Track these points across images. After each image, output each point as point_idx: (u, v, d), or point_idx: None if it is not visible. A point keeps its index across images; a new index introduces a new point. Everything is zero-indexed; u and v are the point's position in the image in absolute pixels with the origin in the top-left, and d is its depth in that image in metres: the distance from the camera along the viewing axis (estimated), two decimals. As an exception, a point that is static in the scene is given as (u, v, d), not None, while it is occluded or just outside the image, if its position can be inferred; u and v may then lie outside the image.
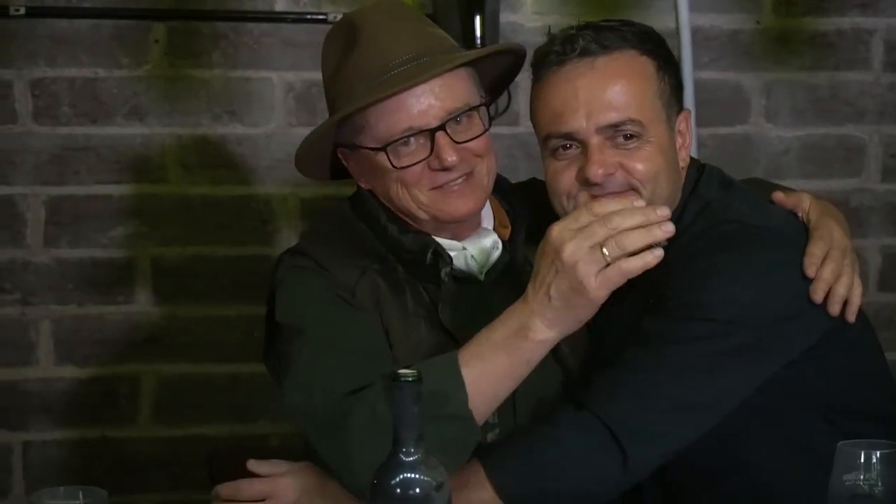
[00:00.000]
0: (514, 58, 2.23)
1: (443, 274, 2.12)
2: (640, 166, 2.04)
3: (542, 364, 2.00)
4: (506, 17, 3.18)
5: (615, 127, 2.04)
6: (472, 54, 2.14)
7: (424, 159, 2.09)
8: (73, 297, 3.14)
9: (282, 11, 3.17)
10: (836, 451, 1.61)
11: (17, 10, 3.06)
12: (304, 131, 3.14)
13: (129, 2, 3.12)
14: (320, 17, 3.16)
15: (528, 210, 2.24)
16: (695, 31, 3.26)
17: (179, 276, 3.17)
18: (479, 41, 3.10)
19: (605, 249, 1.87)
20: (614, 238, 1.87)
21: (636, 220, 1.89)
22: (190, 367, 3.18)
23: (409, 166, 2.09)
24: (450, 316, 2.11)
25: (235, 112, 3.17)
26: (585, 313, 1.92)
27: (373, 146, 2.11)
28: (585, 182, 2.05)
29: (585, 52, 2.07)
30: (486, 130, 2.13)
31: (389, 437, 1.62)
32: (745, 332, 1.96)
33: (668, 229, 1.89)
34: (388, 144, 2.09)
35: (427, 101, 2.07)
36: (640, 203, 1.92)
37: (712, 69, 3.30)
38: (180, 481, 3.17)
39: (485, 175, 2.14)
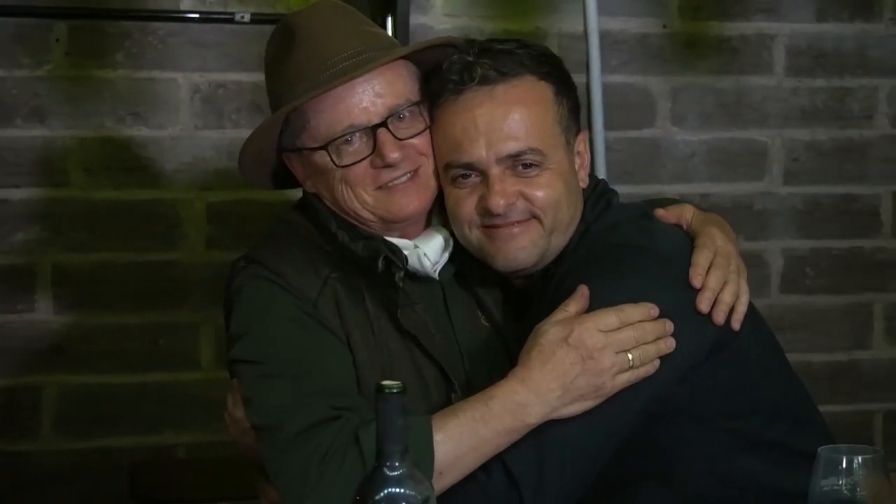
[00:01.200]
0: (453, 51, 2.17)
1: (397, 279, 2.07)
2: (540, 194, 2.04)
3: (490, 353, 2.07)
4: (416, 19, 3.15)
5: (515, 157, 2.03)
6: (408, 48, 2.12)
7: (367, 157, 2.06)
8: (-29, 305, 3.03)
9: (188, 11, 3.09)
10: (815, 457, 1.60)
11: (-88, 8, 2.94)
12: (212, 134, 3.11)
13: (30, -1, 3.02)
14: (227, 16, 3.09)
15: None
16: (603, 35, 3.26)
17: (83, 283, 3.07)
18: (391, 43, 3.07)
19: (630, 355, 1.90)
20: (641, 347, 1.91)
21: (658, 331, 1.92)
22: (94, 378, 3.08)
23: (351, 164, 2.06)
24: (410, 319, 2.08)
25: (140, 114, 3.08)
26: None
27: (314, 146, 2.07)
28: (486, 212, 2.04)
29: (484, 80, 2.04)
30: (428, 127, 2.09)
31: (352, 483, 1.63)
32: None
33: (671, 344, 1.92)
34: (330, 143, 2.05)
35: (367, 97, 2.04)
36: (655, 311, 1.92)
37: (620, 73, 3.31)
38: (86, 496, 3.07)
39: (430, 173, 2.11)
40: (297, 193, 2.22)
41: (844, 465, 1.58)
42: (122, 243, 3.09)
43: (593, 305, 1.93)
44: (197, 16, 3.09)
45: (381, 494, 1.51)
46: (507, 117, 2.03)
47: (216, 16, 3.10)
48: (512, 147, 2.03)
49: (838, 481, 1.58)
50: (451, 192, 2.09)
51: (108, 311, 3.08)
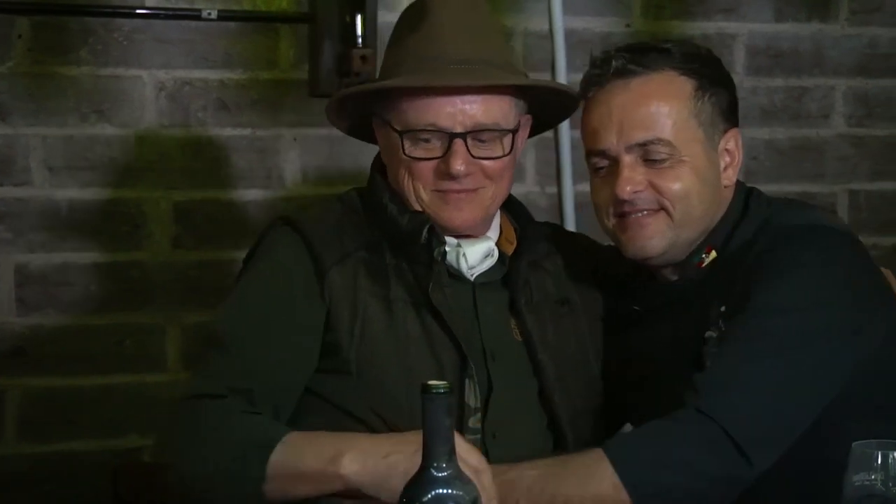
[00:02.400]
0: (567, 99, 2.26)
1: (436, 253, 2.12)
2: (668, 185, 2.13)
3: (519, 364, 2.11)
4: (383, 17, 3.13)
5: (644, 146, 2.12)
6: (518, 81, 2.16)
7: (435, 159, 2.12)
8: (-70, 307, 2.96)
9: (153, 7, 3.04)
10: (850, 451, 1.61)
11: None
12: (177, 132, 3.07)
13: (-9, -6, 2.95)
14: (193, 13, 3.04)
15: (541, 241, 2.31)
16: (568, 34, 3.28)
17: (45, 284, 3.00)
18: (359, 40, 3.05)
19: None
20: None
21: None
22: (57, 380, 3.02)
23: (417, 159, 2.12)
24: (440, 296, 2.12)
25: (104, 112, 3.02)
26: (386, 494, 1.87)
27: (395, 127, 2.13)
28: (616, 199, 2.13)
29: (623, 73, 2.16)
30: (505, 155, 2.15)
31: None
32: (839, 311, 2.02)
33: None
34: (408, 131, 2.11)
35: (460, 106, 2.09)
36: None
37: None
38: (51, 500, 3.00)
39: (490, 198, 2.17)
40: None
41: (879, 461, 1.59)
42: (85, 243, 3.03)
43: (812, 272, 2.02)
44: (163, 12, 3.04)
45: (429, 496, 1.49)
46: (640, 108, 2.13)
47: (182, 12, 3.05)
48: (640, 136, 2.12)
49: (871, 476, 1.59)
50: (592, 181, 2.22)
51: (71, 313, 3.02)
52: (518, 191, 3.22)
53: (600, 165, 2.18)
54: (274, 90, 3.10)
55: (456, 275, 2.17)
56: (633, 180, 2.12)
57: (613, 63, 2.16)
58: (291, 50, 3.11)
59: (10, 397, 2.99)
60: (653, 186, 2.12)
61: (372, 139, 2.27)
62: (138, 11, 3.03)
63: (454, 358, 2.11)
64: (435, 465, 1.51)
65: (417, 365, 2.10)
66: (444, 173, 2.12)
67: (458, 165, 2.10)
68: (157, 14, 3.04)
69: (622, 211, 2.15)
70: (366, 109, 2.22)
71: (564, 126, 3.25)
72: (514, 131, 2.16)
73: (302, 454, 1.92)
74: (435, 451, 1.51)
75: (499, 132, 2.13)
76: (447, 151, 2.11)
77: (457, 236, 2.17)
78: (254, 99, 3.07)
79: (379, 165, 2.27)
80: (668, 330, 2.16)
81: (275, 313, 2.12)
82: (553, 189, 3.30)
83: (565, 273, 2.32)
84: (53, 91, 2.99)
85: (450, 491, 1.51)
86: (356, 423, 2.09)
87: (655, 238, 2.15)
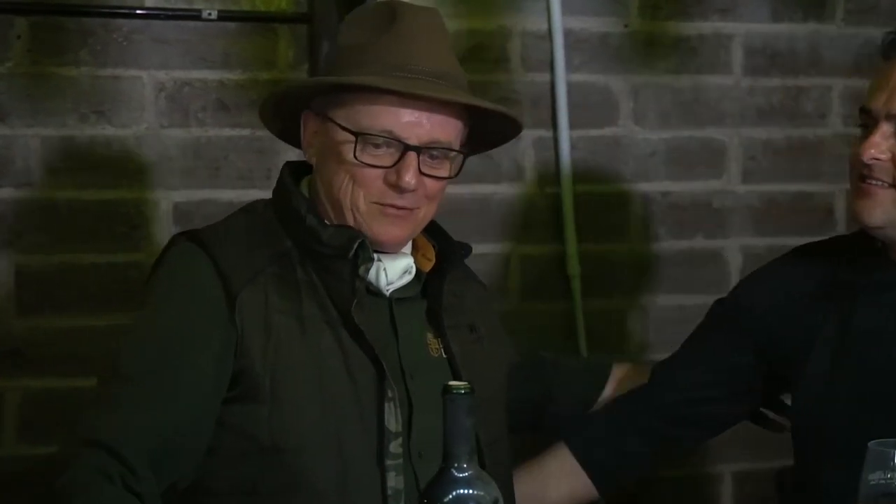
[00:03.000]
0: (509, 128, 2.20)
1: (361, 270, 2.04)
2: None
3: (438, 382, 1.92)
4: (382, 17, 3.13)
5: None
6: (485, 103, 2.11)
7: (385, 168, 2.05)
8: (-72, 309, 2.94)
9: (153, 8, 3.03)
10: (866, 451, 1.61)
11: None
12: (176, 132, 3.06)
13: (-12, -6, 2.94)
14: (192, 13, 3.04)
15: (461, 262, 2.26)
16: (566, 34, 3.29)
17: (44, 285, 2.99)
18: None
19: None
20: None
21: None
22: (57, 382, 3.00)
23: (368, 165, 2.04)
24: (361, 317, 2.04)
25: (104, 112, 3.01)
26: None
27: (348, 127, 2.04)
28: (857, 159, 2.13)
29: None
30: (450, 176, 2.11)
31: None
32: None
33: None
34: (364, 134, 2.02)
35: (420, 118, 2.03)
36: None
37: (583, 72, 3.32)
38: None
39: (422, 218, 2.12)
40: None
41: (895, 460, 1.60)
42: (84, 244, 3.02)
43: None
44: (161, 12, 3.03)
45: (450, 496, 1.49)
46: None
47: (181, 13, 3.04)
48: None
49: (887, 475, 1.59)
50: (852, 139, 2.25)
51: (70, 314, 3.01)
52: (517, 191, 3.26)
53: (862, 122, 2.18)
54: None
55: (374, 291, 2.10)
56: (878, 146, 2.11)
57: None
58: (290, 50, 3.10)
59: (8, 399, 2.99)
60: (893, 161, 2.12)
61: (298, 143, 2.18)
62: (137, 12, 3.02)
63: (372, 378, 2.03)
64: (456, 465, 1.51)
65: (333, 387, 2.02)
66: (393, 185, 2.04)
67: (410, 178, 2.02)
68: (157, 14, 3.03)
69: (860, 174, 2.15)
70: (303, 108, 2.12)
71: (563, 125, 3.26)
72: (465, 154, 2.12)
73: None
74: (456, 451, 1.51)
75: (448, 152, 2.08)
76: (397, 163, 2.03)
77: (376, 251, 2.09)
78: (253, 99, 3.06)
79: (291, 173, 2.17)
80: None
81: (183, 350, 1.99)
82: (552, 189, 3.30)
83: (474, 302, 2.28)
84: (52, 92, 2.98)
85: (471, 491, 1.51)
86: (265, 454, 2.00)
87: (878, 211, 2.15)
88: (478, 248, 3.20)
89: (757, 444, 3.26)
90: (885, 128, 2.12)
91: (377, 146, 2.03)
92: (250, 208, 2.18)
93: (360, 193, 2.06)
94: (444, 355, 2.14)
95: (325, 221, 2.08)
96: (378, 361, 2.02)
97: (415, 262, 2.16)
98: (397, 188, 2.04)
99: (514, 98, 3.26)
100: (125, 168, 3.03)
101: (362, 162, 2.03)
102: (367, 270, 2.05)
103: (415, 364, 2.09)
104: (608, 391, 2.48)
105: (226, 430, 2.01)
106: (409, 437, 2.03)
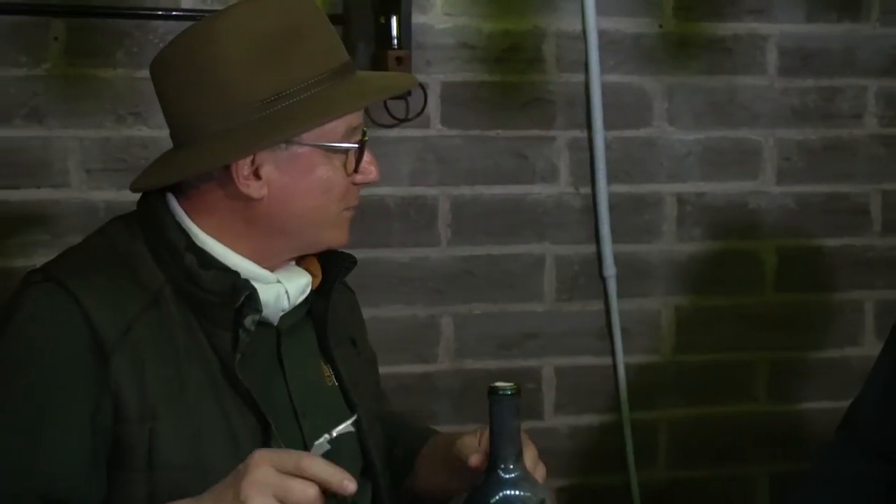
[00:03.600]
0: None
1: (248, 322, 1.80)
2: None
3: (332, 411, 1.91)
4: (416, 18, 3.13)
5: None
6: (403, 81, 2.11)
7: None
8: (-32, 309, 2.95)
9: (188, 9, 3.04)
10: None
11: None
12: (212, 134, 3.06)
13: (27, -3, 2.95)
14: (228, 15, 3.04)
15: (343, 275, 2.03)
16: (601, 34, 3.28)
17: (81, 286, 3.01)
18: (394, 42, 3.05)
19: None
20: (307, 499, 1.60)
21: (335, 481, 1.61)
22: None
23: (368, 167, 1.90)
24: (247, 374, 1.81)
25: (140, 113, 3.02)
26: None
27: (332, 146, 1.85)
28: None
29: None
30: None
31: None
32: None
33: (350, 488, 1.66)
34: (358, 144, 1.88)
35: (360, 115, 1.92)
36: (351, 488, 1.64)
37: (617, 72, 3.32)
38: None
39: None
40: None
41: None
42: None
43: None
44: (197, 14, 3.03)
45: (497, 497, 1.49)
46: None
47: (217, 14, 3.05)
48: None
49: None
50: None
51: (107, 315, 3.02)
52: (551, 192, 3.26)
53: None
54: (309, 92, 3.10)
55: (262, 321, 1.85)
56: None
57: None
58: (326, 51, 3.10)
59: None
60: None
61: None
62: (173, 13, 3.03)
63: (258, 433, 1.82)
64: (503, 466, 1.51)
65: (212, 450, 1.80)
66: (359, 185, 1.92)
67: (377, 169, 1.92)
68: (192, 16, 3.03)
69: None
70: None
71: (598, 125, 3.26)
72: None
73: None
74: (503, 452, 1.50)
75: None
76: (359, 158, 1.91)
77: (275, 266, 1.91)
78: (288, 101, 3.07)
79: (158, 202, 1.90)
80: None
81: (50, 426, 1.74)
82: (587, 190, 3.29)
83: (346, 310, 2.12)
84: (89, 93, 2.99)
85: (518, 492, 1.50)
86: None
87: None
88: (512, 249, 3.24)
89: (793, 444, 3.27)
90: None
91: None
92: (109, 231, 1.91)
93: (339, 205, 1.89)
94: (336, 382, 1.98)
95: (210, 259, 1.84)
96: (263, 417, 1.82)
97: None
98: (368, 185, 1.93)
99: (549, 98, 3.26)
100: (161, 169, 3.04)
101: (367, 167, 1.89)
102: (254, 322, 1.82)
103: (305, 400, 1.91)
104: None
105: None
106: None
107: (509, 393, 1.50)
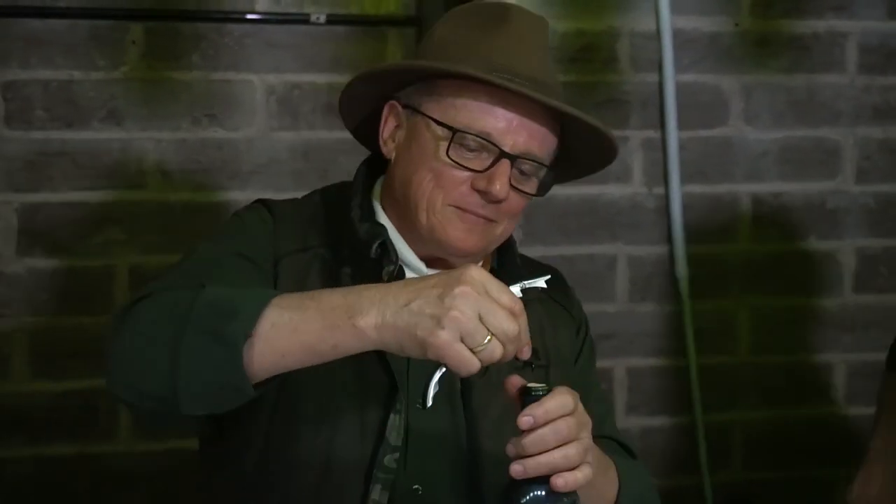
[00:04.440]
0: (599, 157, 2.04)
1: (384, 272, 1.91)
2: None
3: (452, 407, 1.90)
4: (489, 19, 3.14)
5: None
6: (589, 117, 1.94)
7: (474, 172, 1.90)
8: (49, 307, 3.02)
9: (263, 12, 3.09)
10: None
11: (-11, 10, 2.94)
12: (286, 135, 3.11)
13: (106, 1, 3.01)
14: (302, 17, 3.09)
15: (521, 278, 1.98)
16: (676, 33, 3.27)
17: (158, 284, 3.06)
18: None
19: (488, 338, 1.59)
20: (504, 335, 1.60)
21: (525, 337, 1.63)
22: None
23: (458, 165, 1.90)
24: None
25: (216, 115, 3.08)
26: (411, 348, 1.62)
27: (443, 122, 1.90)
28: None
29: None
30: (536, 194, 1.97)
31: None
32: None
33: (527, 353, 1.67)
34: (460, 132, 1.89)
35: (520, 126, 1.90)
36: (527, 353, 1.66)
37: (693, 71, 3.30)
38: (164, 495, 3.07)
39: (498, 234, 1.97)
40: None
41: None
42: (198, 244, 3.07)
43: None
44: (272, 17, 3.08)
45: (527, 498, 1.50)
46: None
47: (291, 17, 3.09)
48: None
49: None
50: None
51: (183, 313, 3.07)
52: (624, 192, 3.25)
53: None
54: (381, 93, 3.13)
55: None
56: None
57: None
58: (399, 53, 3.13)
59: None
60: None
61: (371, 146, 2.08)
62: (248, 17, 3.08)
63: (383, 386, 1.90)
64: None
65: (340, 387, 1.90)
66: (481, 191, 1.90)
67: (503, 186, 1.88)
68: (267, 19, 3.08)
69: None
70: (387, 97, 1.99)
71: (672, 125, 3.24)
72: (552, 173, 1.98)
73: (302, 307, 1.66)
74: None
75: (539, 167, 1.94)
76: (489, 168, 1.89)
77: (434, 264, 1.96)
78: (362, 102, 3.10)
79: (368, 171, 2.06)
80: None
81: (240, 247, 1.94)
82: (660, 190, 3.28)
83: (540, 323, 2.07)
84: (166, 95, 3.05)
85: (544, 493, 1.51)
86: (253, 438, 1.91)
87: None
88: (585, 250, 3.24)
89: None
90: None
91: (470, 148, 1.90)
92: (326, 191, 2.11)
93: (440, 194, 1.91)
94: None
95: (373, 215, 1.99)
96: (391, 372, 1.90)
97: None
98: (485, 195, 1.90)
99: (623, 98, 3.26)
100: (237, 170, 3.09)
101: (454, 161, 1.89)
102: (392, 274, 1.91)
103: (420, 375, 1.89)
104: None
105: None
106: (408, 452, 1.90)
107: (541, 393, 1.51)
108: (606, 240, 3.27)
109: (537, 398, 1.51)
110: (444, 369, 1.59)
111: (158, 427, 1.76)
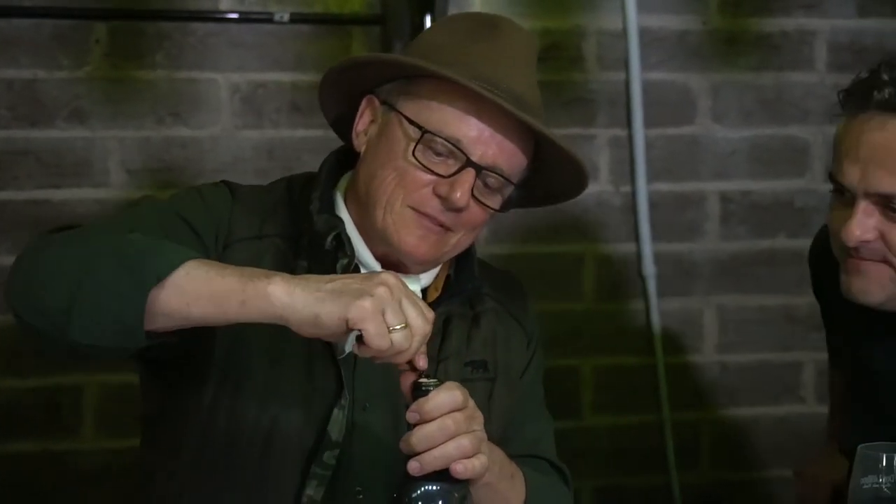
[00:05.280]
0: (570, 186, 2.03)
1: (338, 266, 1.90)
2: None
3: (395, 412, 1.88)
4: (454, 17, 3.14)
5: (887, 198, 1.95)
6: (558, 139, 1.94)
7: (437, 176, 1.90)
8: (13, 305, 3.03)
9: (227, 11, 3.10)
10: (856, 454, 1.58)
11: (-47, 10, 2.96)
12: (251, 134, 3.12)
13: (70, 1, 3.02)
14: (266, 16, 3.10)
15: (479, 290, 2.05)
16: (643, 32, 3.26)
17: (123, 283, 3.07)
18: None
19: (404, 324, 1.61)
20: (417, 327, 1.63)
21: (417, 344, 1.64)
22: (134, 377, 3.06)
23: (422, 167, 1.89)
24: None
25: (180, 114, 3.09)
26: (328, 315, 1.61)
27: (415, 122, 1.90)
28: (841, 239, 1.98)
29: (882, 107, 1.98)
30: (498, 209, 1.97)
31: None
32: None
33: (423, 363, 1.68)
34: (430, 133, 1.88)
35: (491, 139, 1.90)
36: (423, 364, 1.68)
37: (660, 70, 3.30)
38: (128, 493, 3.07)
39: (452, 245, 1.95)
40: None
41: (884, 464, 1.56)
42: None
43: None
44: (236, 16, 3.09)
45: (418, 492, 1.51)
46: (890, 158, 1.95)
47: (255, 16, 3.10)
48: (885, 187, 1.95)
49: (879, 479, 1.56)
50: (831, 201, 2.06)
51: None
52: (591, 190, 3.22)
53: (837, 189, 2.04)
54: (346, 92, 3.13)
55: None
56: (864, 227, 1.95)
57: (875, 95, 1.99)
58: (363, 52, 3.13)
59: (88, 393, 3.07)
60: (883, 238, 1.96)
61: (346, 138, 2.06)
62: (212, 16, 3.09)
63: (330, 383, 1.90)
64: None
65: (286, 375, 1.91)
66: (442, 197, 1.89)
67: (463, 195, 1.87)
68: (231, 18, 3.09)
69: (845, 248, 1.99)
70: (367, 90, 1.98)
71: (638, 123, 3.24)
72: (516, 191, 1.98)
73: (224, 267, 1.68)
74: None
75: (506, 183, 1.93)
76: (454, 175, 1.88)
77: (388, 266, 1.95)
78: (326, 101, 3.10)
79: (337, 162, 2.06)
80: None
81: (186, 213, 1.92)
82: (627, 189, 3.28)
83: (493, 335, 2.07)
84: (130, 94, 3.06)
85: (436, 487, 1.52)
86: (202, 417, 1.91)
87: (874, 289, 1.99)
88: (552, 248, 3.24)
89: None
90: (864, 205, 1.96)
91: (438, 153, 1.89)
92: (293, 179, 2.09)
93: (400, 194, 1.90)
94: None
95: (331, 207, 1.98)
96: (338, 367, 1.90)
97: (424, 291, 2.01)
98: (446, 201, 1.89)
99: (590, 97, 3.26)
100: (201, 169, 3.10)
101: (419, 162, 1.89)
102: (345, 267, 1.90)
103: (369, 395, 1.94)
104: None
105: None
106: (350, 452, 1.91)
107: (430, 388, 1.52)
108: (573, 238, 3.27)
109: (426, 393, 1.51)
110: (358, 332, 1.57)
111: (50, 353, 1.75)
